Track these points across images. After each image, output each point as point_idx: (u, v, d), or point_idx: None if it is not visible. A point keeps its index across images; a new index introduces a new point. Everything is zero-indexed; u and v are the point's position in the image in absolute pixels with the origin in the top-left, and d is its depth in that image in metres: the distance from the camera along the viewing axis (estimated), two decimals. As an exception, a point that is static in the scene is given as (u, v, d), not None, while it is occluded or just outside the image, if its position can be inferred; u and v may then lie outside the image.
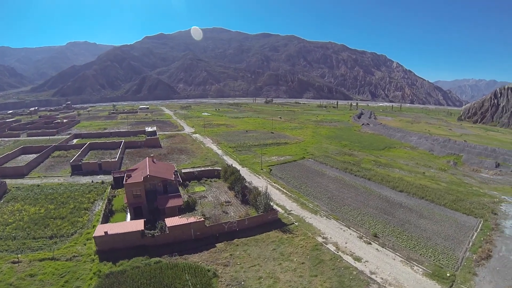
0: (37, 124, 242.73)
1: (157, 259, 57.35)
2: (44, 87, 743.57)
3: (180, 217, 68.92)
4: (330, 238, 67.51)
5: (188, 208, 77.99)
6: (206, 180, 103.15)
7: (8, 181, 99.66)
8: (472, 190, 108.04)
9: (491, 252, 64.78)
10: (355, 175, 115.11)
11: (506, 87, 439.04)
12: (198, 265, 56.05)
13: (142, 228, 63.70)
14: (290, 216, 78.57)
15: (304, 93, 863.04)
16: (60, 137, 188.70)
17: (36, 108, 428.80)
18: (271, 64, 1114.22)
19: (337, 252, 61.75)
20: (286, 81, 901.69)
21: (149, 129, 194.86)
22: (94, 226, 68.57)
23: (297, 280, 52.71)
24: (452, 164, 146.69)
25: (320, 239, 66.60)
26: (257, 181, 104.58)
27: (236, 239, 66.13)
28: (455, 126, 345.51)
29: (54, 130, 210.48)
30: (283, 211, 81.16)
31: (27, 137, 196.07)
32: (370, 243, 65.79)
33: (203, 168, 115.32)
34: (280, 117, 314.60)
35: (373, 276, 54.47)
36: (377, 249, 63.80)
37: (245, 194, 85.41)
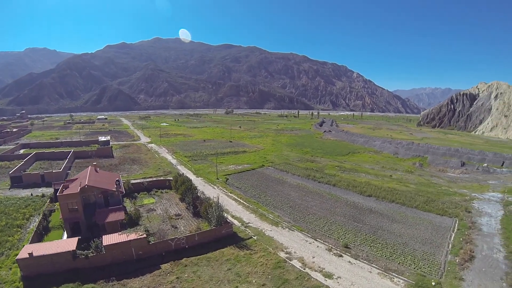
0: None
1: (91, 285, 47.36)
2: None
3: (120, 234, 58.65)
4: (295, 252, 58.36)
5: (131, 222, 67.51)
6: (156, 191, 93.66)
7: None
8: (441, 190, 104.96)
9: (473, 252, 59.87)
10: (318, 182, 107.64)
11: (461, 93, 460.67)
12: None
13: (74, 248, 53.16)
14: (247, 229, 68.86)
15: (265, 104, 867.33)
16: (6, 147, 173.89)
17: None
18: (232, 75, 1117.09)
19: (304, 269, 52.60)
20: (247, 92, 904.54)
21: (102, 138, 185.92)
22: (24, 246, 57.20)
23: (254, 308, 43.08)
24: (418, 166, 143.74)
25: (283, 255, 57.28)
26: (212, 192, 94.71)
27: (184, 259, 55.89)
28: (416, 131, 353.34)
29: (1, 140, 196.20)
30: (239, 224, 71.43)
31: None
32: (341, 256, 57.24)
33: (153, 179, 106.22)
34: (240, 127, 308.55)
35: (346, 296, 45.86)
36: (349, 261, 55.31)
37: (197, 205, 75.21)
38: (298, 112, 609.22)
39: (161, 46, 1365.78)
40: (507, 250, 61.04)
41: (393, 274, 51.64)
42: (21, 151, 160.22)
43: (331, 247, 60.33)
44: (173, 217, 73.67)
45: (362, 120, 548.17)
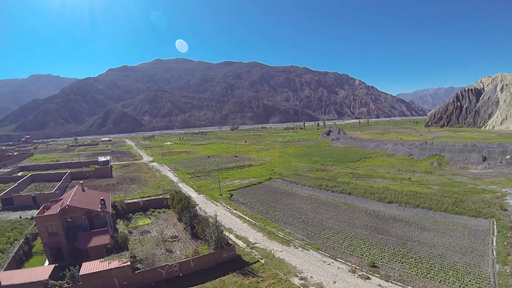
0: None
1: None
2: (5, 122, 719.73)
3: (102, 261, 49.04)
4: (311, 277, 47.64)
5: (118, 247, 57.52)
6: (153, 211, 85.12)
7: None
8: (468, 189, 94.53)
9: (524, 258, 48.82)
10: (332, 191, 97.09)
11: (466, 89, 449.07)
12: None
13: (46, 278, 44.31)
14: (254, 251, 58.28)
15: (270, 118, 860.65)
16: (6, 170, 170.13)
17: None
18: (235, 92, 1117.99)
19: (324, 299, 42.25)
20: (251, 107, 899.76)
21: (102, 158, 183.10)
22: (4, 273, 49.78)
23: None
24: (437, 165, 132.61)
25: (297, 281, 46.64)
26: (214, 209, 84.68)
27: (178, 290, 46.09)
28: (425, 132, 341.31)
29: (0, 163, 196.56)
30: (244, 245, 60.98)
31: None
32: (368, 278, 46.36)
33: (151, 197, 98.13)
34: (245, 141, 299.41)
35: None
36: (380, 285, 44.39)
37: (194, 226, 65.26)
38: (304, 123, 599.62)
39: (162, 67, 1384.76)
40: None
41: (438, 298, 40.95)
42: (19, 174, 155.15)
43: (355, 268, 49.48)
44: (169, 239, 64.19)
45: (369, 126, 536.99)
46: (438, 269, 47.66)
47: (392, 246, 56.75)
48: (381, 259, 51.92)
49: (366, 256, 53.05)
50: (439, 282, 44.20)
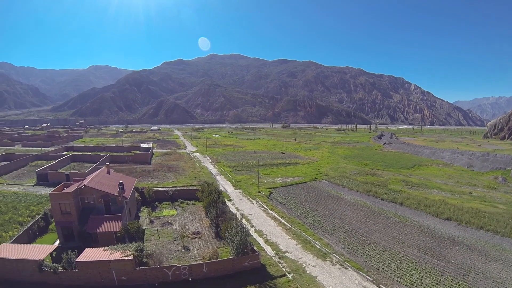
0: (37, 136, 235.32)
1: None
2: (65, 107, 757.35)
3: (105, 250, 42.89)
4: (348, 306, 37.73)
5: (128, 236, 51.75)
6: (182, 203, 78.19)
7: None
8: None
9: None
10: (381, 199, 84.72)
11: None
12: None
13: (41, 258, 39.95)
14: (282, 261, 48.80)
15: (323, 118, 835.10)
16: (53, 148, 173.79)
17: (47, 124, 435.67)
18: (289, 90, 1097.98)
19: None
20: (304, 106, 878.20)
21: (144, 145, 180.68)
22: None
23: None
24: (501, 181, 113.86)
25: (330, 309, 36.99)
26: (248, 207, 76.67)
27: (183, 297, 38.40)
28: (483, 143, 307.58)
29: (49, 142, 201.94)
30: (273, 253, 51.70)
31: (21, 146, 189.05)
32: (420, 319, 35.61)
33: (183, 187, 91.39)
34: (295, 139, 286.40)
35: None
36: (435, 332, 33.64)
37: (219, 224, 57.33)
38: (356, 126, 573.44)
39: (217, 62, 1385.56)
40: None
41: None
42: (64, 153, 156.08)
43: (404, 301, 38.68)
44: (190, 235, 56.82)
45: (423, 133, 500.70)
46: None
47: (450, 276, 44.82)
48: (438, 293, 40.45)
49: (417, 286, 41.79)
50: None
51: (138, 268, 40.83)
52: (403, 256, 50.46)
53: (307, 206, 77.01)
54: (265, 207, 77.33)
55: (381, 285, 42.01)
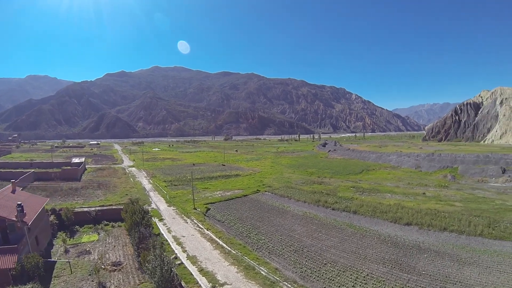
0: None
1: None
2: None
3: None
4: None
5: (26, 275, 39.03)
6: (107, 225, 66.66)
7: None
8: (498, 206, 77.17)
9: None
10: (332, 209, 77.12)
11: (465, 103, 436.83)
12: None
13: None
14: (220, 299, 38.46)
15: (265, 130, 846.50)
16: None
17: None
18: (231, 102, 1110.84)
19: None
20: (246, 118, 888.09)
21: (76, 160, 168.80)
22: None
23: None
24: (451, 178, 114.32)
25: None
26: (181, 228, 65.21)
27: None
28: (424, 145, 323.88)
29: None
30: (209, 286, 40.73)
31: None
32: None
33: (108, 206, 79.15)
34: (236, 150, 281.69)
35: None
36: None
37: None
38: (299, 135, 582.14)
39: (160, 75, 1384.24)
40: None
41: None
42: None
43: None
44: (108, 267, 45.21)
45: (365, 140, 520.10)
46: None
47: (426, 292, 37.43)
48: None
49: (393, 316, 33.63)
50: None
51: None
52: (368, 275, 42.23)
53: (249, 223, 67.15)
54: (201, 226, 66.29)
55: (345, 320, 33.14)
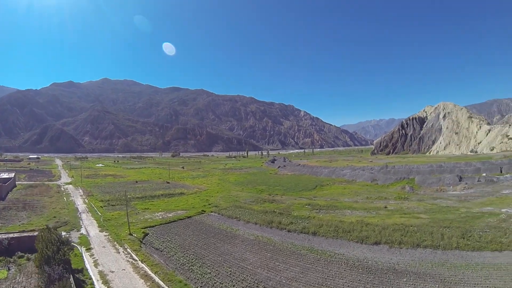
0: None
1: None
2: None
3: None
4: None
5: None
6: (21, 257, 53.50)
7: None
8: (464, 214, 74.46)
9: None
10: (288, 231, 68.02)
11: (411, 117, 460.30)
12: None
13: None
14: None
15: (213, 146, 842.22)
16: None
17: None
18: (180, 118, 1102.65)
19: None
20: (194, 134, 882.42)
21: (4, 175, 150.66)
22: None
23: None
24: (409, 190, 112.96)
25: None
26: (111, 260, 53.75)
27: None
28: (374, 159, 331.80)
29: None
30: None
31: None
32: None
33: (28, 233, 65.19)
34: (183, 167, 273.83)
35: None
36: None
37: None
38: (247, 152, 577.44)
39: (109, 87, 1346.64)
40: None
41: None
42: None
43: None
44: None
45: (314, 155, 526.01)
46: None
47: None
48: None
49: None
50: None
51: None
52: (341, 317, 33.81)
53: (192, 252, 56.45)
54: (135, 257, 54.77)
55: None
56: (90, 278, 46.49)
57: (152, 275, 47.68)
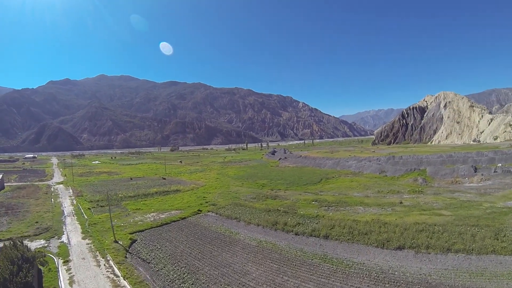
0: None
1: None
2: None
3: None
4: None
5: None
6: None
7: None
8: (489, 209, 65.96)
9: None
10: (295, 233, 59.67)
11: (411, 107, 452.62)
12: None
13: None
14: None
15: (212, 140, 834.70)
16: None
17: None
18: (178, 112, 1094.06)
19: None
20: (193, 128, 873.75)
21: None
22: None
23: None
24: (422, 182, 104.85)
25: None
26: (89, 276, 45.34)
27: None
28: (375, 149, 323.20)
29: None
30: None
31: None
32: None
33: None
34: (181, 161, 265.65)
35: None
36: None
37: None
38: (247, 144, 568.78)
39: (106, 84, 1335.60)
40: None
41: None
42: None
43: None
44: None
45: (314, 146, 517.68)
46: None
47: None
48: None
49: None
50: None
51: None
52: None
53: (184, 263, 48.10)
54: (117, 272, 46.27)
55: None
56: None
57: (137, 293, 39.57)
